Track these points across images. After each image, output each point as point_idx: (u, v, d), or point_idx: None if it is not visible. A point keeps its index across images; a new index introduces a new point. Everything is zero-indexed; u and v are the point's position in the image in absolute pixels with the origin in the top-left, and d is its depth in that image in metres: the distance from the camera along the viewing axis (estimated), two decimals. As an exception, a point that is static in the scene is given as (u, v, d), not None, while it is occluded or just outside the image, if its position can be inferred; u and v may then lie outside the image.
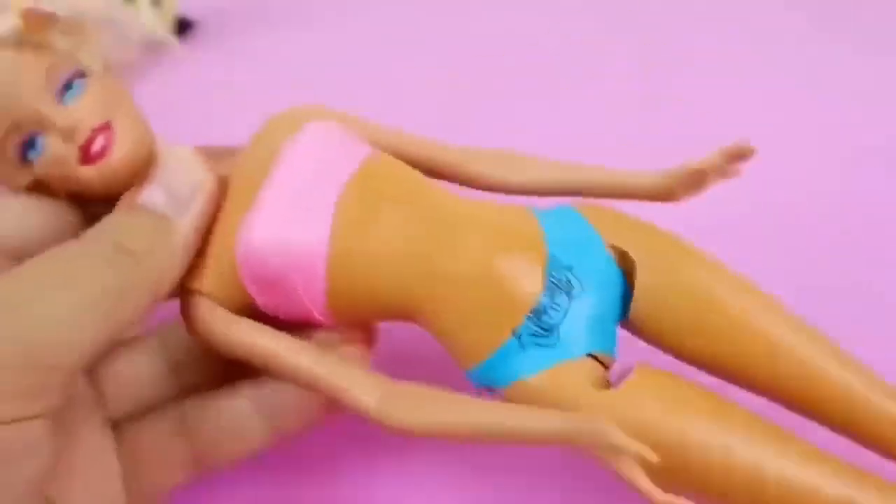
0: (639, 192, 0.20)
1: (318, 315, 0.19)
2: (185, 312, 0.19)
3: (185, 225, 0.17)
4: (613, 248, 0.19)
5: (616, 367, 0.18)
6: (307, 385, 0.18)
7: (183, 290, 0.19)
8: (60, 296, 0.14)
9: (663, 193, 0.20)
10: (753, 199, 0.31)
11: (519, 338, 0.17)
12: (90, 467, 0.17)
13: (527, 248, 0.18)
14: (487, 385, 0.18)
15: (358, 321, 0.19)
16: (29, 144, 0.18)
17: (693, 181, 0.19)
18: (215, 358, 0.19)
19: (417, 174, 0.20)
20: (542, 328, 0.17)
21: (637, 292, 0.18)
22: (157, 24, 0.51)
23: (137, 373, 0.19)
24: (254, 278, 0.18)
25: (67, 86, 0.18)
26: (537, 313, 0.17)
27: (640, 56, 0.47)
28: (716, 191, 0.20)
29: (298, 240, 0.18)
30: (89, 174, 0.18)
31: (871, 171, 0.35)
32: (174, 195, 0.17)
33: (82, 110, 0.18)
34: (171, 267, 0.16)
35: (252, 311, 0.19)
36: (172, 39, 0.49)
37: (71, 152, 0.18)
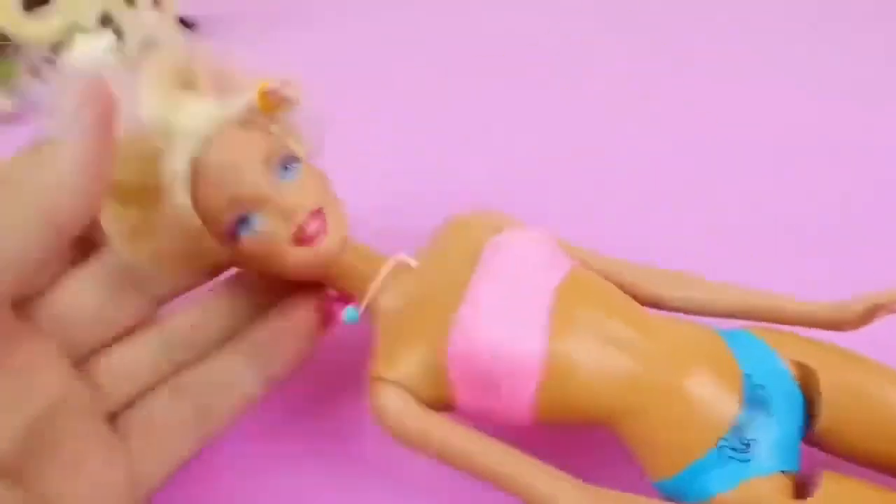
0: (812, 321, 0.21)
1: (519, 416, 0.19)
2: (375, 399, 0.19)
3: (74, 142, 0.15)
4: (793, 365, 0.20)
5: (800, 477, 0.19)
6: (504, 488, 0.18)
7: (373, 378, 0.19)
8: None
9: (837, 324, 0.21)
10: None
11: (719, 451, 0.18)
12: (93, 463, 0.17)
13: (724, 365, 0.19)
14: (677, 496, 0.18)
15: (560, 424, 0.19)
16: (244, 221, 0.19)
17: (870, 315, 0.20)
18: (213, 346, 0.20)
19: (615, 288, 0.21)
20: (740, 443, 0.18)
21: (821, 407, 0.19)
22: (156, 24, 0.51)
23: (135, 365, 0.19)
24: (464, 376, 0.18)
25: (285, 168, 0.19)
26: (737, 429, 0.18)
27: (640, 56, 0.47)
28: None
29: (518, 343, 0.18)
30: (298, 255, 0.19)
31: (874, 171, 0.35)
32: (61, 115, 0.15)
33: (299, 193, 0.19)
34: (64, 188, 0.15)
35: (442, 406, 0.19)
36: (177, 36, 0.49)
37: (286, 232, 0.19)
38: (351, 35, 0.53)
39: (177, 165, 0.18)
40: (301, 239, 0.19)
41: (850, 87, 0.43)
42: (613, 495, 0.18)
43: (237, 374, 0.20)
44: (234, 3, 0.60)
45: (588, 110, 0.42)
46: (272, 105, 0.19)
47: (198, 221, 0.18)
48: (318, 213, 0.19)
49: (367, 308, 0.21)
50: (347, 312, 0.21)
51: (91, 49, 0.47)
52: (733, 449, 0.18)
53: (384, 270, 0.21)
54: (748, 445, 0.18)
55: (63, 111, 0.15)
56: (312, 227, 0.19)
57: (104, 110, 0.15)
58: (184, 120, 0.18)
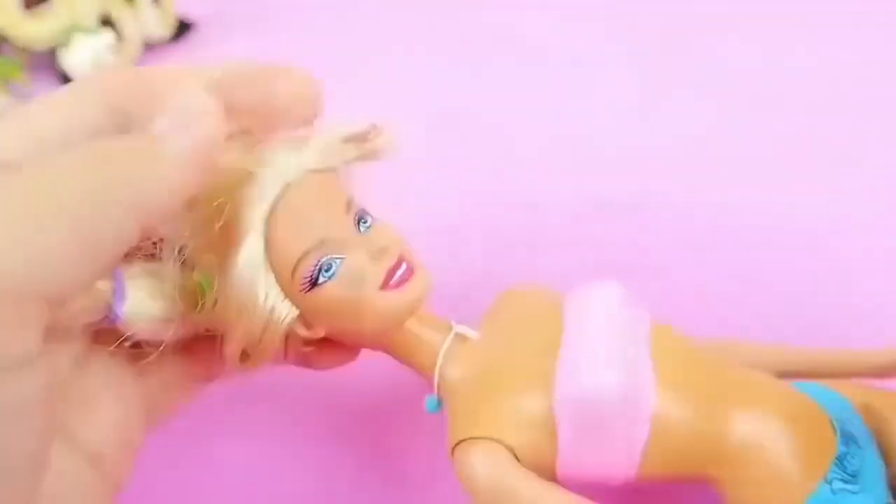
0: (866, 370, 0.21)
1: (624, 468, 0.18)
2: (466, 461, 0.18)
3: (182, 143, 0.15)
4: (863, 409, 0.20)
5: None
6: None
7: (461, 441, 0.18)
8: (22, 212, 0.12)
9: (891, 369, 0.21)
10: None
11: (830, 484, 0.18)
12: (107, 394, 0.17)
13: (812, 405, 0.19)
14: None
15: (663, 476, 0.19)
16: (325, 266, 0.17)
17: None
18: None
19: (693, 341, 0.21)
20: (847, 474, 0.18)
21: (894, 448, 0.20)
22: (157, 24, 0.50)
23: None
24: (572, 422, 0.18)
25: (363, 218, 0.19)
26: (841, 460, 0.18)
27: (641, 60, 0.47)
28: None
29: (633, 386, 0.18)
30: (387, 301, 0.18)
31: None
32: (173, 119, 0.15)
33: (384, 237, 0.18)
34: (159, 182, 0.14)
35: (539, 469, 0.18)
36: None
37: (375, 274, 0.18)
38: (351, 35, 0.52)
39: (256, 211, 0.17)
40: (390, 283, 0.18)
41: (850, 90, 0.43)
42: None
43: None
44: (233, 3, 0.60)
45: (588, 112, 0.42)
46: (366, 153, 0.19)
47: (264, 278, 0.17)
48: (403, 257, 0.18)
49: (435, 380, 0.20)
50: (429, 403, 0.21)
51: (91, 49, 0.47)
52: (842, 481, 0.18)
53: (449, 338, 0.20)
54: (854, 476, 0.18)
55: (181, 112, 0.15)
56: (402, 270, 0.18)
57: (216, 130, 0.15)
58: (260, 168, 0.17)
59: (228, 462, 0.25)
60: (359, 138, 0.19)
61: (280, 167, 0.17)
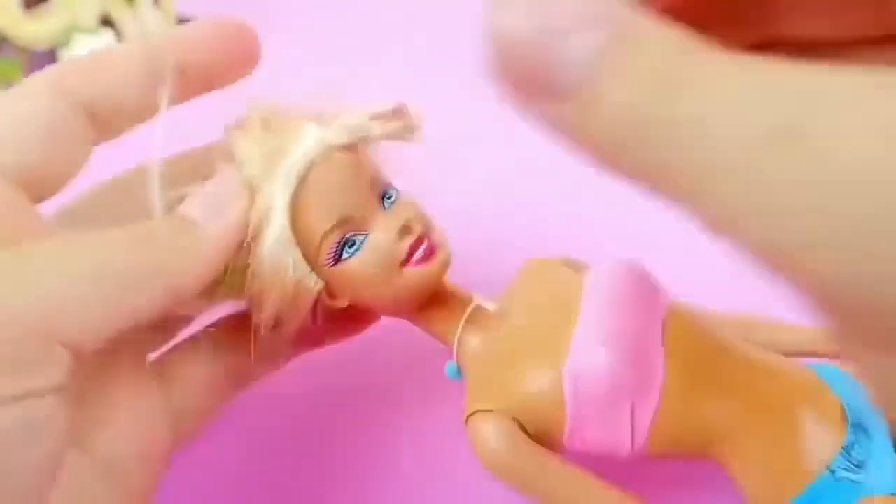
0: None
1: (630, 443, 0.19)
2: (478, 433, 0.19)
3: (216, 231, 0.17)
4: None
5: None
6: None
7: (474, 413, 0.19)
8: (71, 266, 0.14)
9: None
10: None
11: (833, 473, 0.18)
12: (134, 409, 0.17)
13: (823, 391, 0.19)
14: None
15: (667, 454, 0.19)
16: (349, 242, 0.18)
17: None
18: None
19: (709, 321, 0.21)
20: (852, 463, 0.18)
21: None
22: (157, 25, 0.51)
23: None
24: (582, 396, 0.18)
25: (387, 194, 0.19)
26: (847, 451, 0.18)
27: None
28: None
29: (643, 363, 0.18)
30: (409, 277, 0.19)
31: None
32: (207, 204, 0.17)
33: (407, 215, 0.19)
34: (193, 267, 0.16)
35: (547, 441, 0.19)
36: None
37: (397, 252, 0.18)
38: (351, 35, 0.52)
39: (281, 186, 0.18)
40: (412, 260, 0.19)
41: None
42: None
43: (273, 343, 0.20)
44: (233, 3, 0.60)
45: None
46: (391, 131, 0.19)
47: (291, 253, 0.18)
48: (425, 234, 0.19)
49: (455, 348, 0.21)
50: (449, 369, 0.21)
51: (91, 49, 0.47)
52: (846, 470, 0.18)
53: (469, 309, 0.21)
54: (859, 466, 0.18)
55: (213, 201, 0.17)
56: (424, 248, 0.19)
57: (246, 214, 0.17)
58: (286, 145, 0.18)
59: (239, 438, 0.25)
60: (384, 116, 0.19)
61: (305, 145, 0.18)
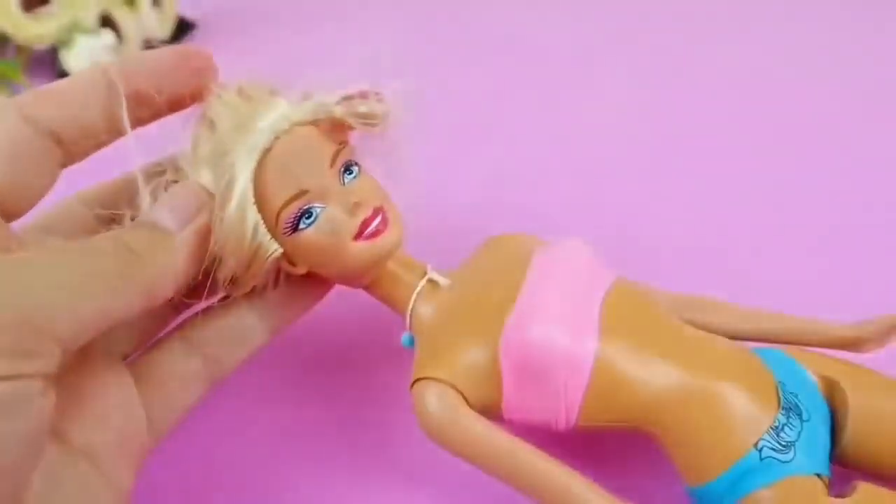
0: (831, 341, 0.22)
1: (563, 416, 0.19)
2: (421, 400, 0.19)
3: (185, 238, 0.18)
4: (820, 380, 0.20)
5: (833, 486, 0.19)
6: (541, 493, 0.18)
7: (419, 379, 0.20)
8: (62, 272, 0.15)
9: (856, 344, 0.21)
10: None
11: (760, 451, 0.18)
12: (110, 403, 0.18)
13: (759, 372, 0.20)
14: (716, 501, 0.19)
15: (600, 427, 0.20)
16: (306, 213, 0.19)
17: (888, 335, 0.21)
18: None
19: (654, 300, 0.21)
20: (780, 444, 0.18)
21: (847, 420, 0.19)
22: (157, 24, 0.51)
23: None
24: (516, 370, 0.19)
25: (348, 169, 0.20)
26: (775, 430, 0.18)
27: (641, 65, 0.47)
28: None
29: (574, 339, 0.19)
30: (359, 250, 0.19)
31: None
32: (176, 212, 0.18)
33: (363, 191, 0.20)
34: (168, 273, 0.18)
35: (486, 410, 0.19)
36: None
37: (350, 225, 0.19)
38: (351, 35, 0.53)
39: (245, 155, 0.19)
40: (363, 234, 0.19)
41: (851, 93, 0.43)
42: None
43: (249, 330, 0.21)
44: (233, 3, 0.60)
45: (587, 114, 0.42)
46: (358, 114, 0.20)
47: (253, 218, 0.19)
48: (379, 210, 0.20)
49: (408, 317, 0.22)
50: (404, 339, 0.22)
51: (91, 49, 0.47)
52: (773, 449, 0.18)
53: (422, 282, 0.21)
54: (787, 447, 0.18)
55: (180, 211, 0.18)
56: (375, 223, 0.20)
57: (209, 219, 0.19)
58: (255, 117, 0.19)
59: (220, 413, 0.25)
60: (350, 99, 0.20)
61: (272, 118, 0.19)
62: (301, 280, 0.21)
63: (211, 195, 0.19)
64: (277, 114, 0.19)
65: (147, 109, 0.19)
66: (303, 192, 0.19)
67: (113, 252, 0.17)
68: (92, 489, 0.17)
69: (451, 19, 0.56)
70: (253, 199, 0.19)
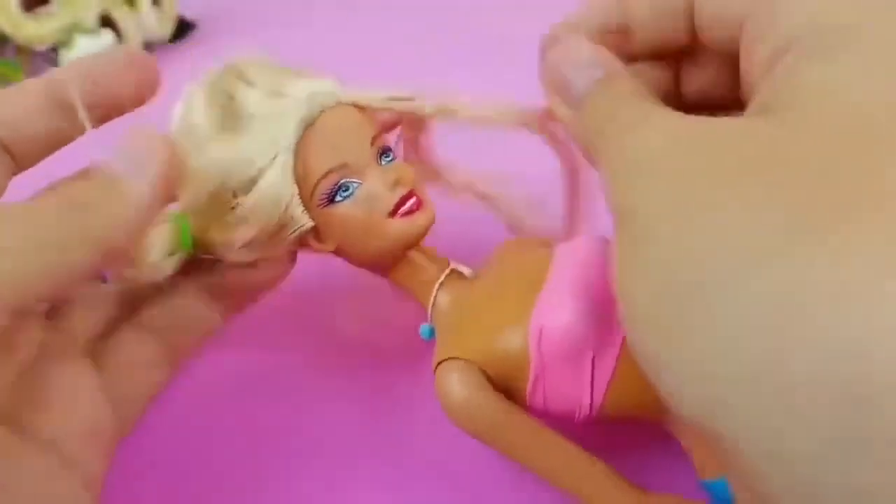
0: None
1: (590, 401, 0.19)
2: (445, 378, 0.19)
3: (140, 187, 0.17)
4: None
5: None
6: (561, 476, 0.18)
7: (443, 360, 0.19)
8: (1, 237, 0.15)
9: None
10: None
11: None
12: (69, 394, 0.18)
13: None
14: (727, 496, 0.18)
15: (622, 416, 0.19)
16: (343, 187, 0.20)
17: None
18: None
19: None
20: None
21: None
22: (157, 24, 0.51)
23: (102, 300, 0.21)
24: (546, 355, 0.19)
25: (385, 153, 0.21)
26: None
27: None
28: None
29: (600, 323, 0.18)
30: (394, 227, 0.20)
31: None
32: (130, 160, 0.17)
33: (401, 171, 0.20)
34: (121, 224, 0.17)
35: (510, 393, 0.19)
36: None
37: (388, 200, 0.20)
38: (351, 35, 0.53)
39: (290, 127, 0.19)
40: (399, 212, 0.20)
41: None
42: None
43: (201, 312, 0.21)
44: (233, 3, 0.60)
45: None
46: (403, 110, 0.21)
47: (289, 189, 0.19)
48: (413, 192, 0.20)
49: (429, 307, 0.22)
50: (423, 330, 0.22)
51: (91, 49, 0.47)
52: None
53: (445, 272, 0.21)
54: None
55: (134, 158, 0.17)
56: (411, 202, 0.20)
57: (170, 167, 0.17)
58: (301, 90, 0.20)
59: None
60: (398, 98, 0.21)
61: (319, 95, 0.20)
62: (255, 265, 0.21)
63: (171, 142, 0.18)
64: (326, 90, 0.20)
65: (93, 114, 0.19)
66: (343, 165, 0.19)
67: (56, 207, 0.16)
68: (56, 477, 0.16)
69: (455, 19, 0.56)
70: (292, 171, 0.19)
